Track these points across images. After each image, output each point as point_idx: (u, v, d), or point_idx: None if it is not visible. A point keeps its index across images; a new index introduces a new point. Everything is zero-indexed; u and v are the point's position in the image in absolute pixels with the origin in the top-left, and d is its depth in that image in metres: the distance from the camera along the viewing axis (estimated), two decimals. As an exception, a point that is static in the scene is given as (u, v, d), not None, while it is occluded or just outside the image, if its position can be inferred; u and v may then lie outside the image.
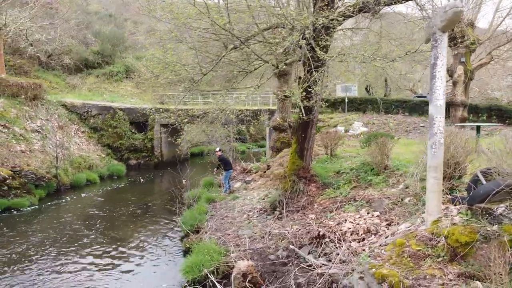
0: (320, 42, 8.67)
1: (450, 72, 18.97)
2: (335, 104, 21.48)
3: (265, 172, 15.40)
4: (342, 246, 6.80)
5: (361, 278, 5.12)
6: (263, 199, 12.33)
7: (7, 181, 14.39)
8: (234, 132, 17.13)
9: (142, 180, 20.39)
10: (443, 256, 4.82)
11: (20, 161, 16.21)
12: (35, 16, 26.67)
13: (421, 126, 18.89)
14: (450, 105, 19.19)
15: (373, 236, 6.60)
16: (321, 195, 9.93)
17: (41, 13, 28.51)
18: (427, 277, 4.69)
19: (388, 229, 6.48)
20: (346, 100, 19.99)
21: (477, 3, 18.05)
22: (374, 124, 19.72)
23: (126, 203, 15.35)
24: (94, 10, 46.38)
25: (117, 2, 54.28)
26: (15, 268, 8.79)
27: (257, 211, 11.23)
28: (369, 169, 9.45)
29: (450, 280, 4.59)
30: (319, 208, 9.18)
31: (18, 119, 19.09)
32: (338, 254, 6.69)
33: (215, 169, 14.66)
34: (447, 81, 32.89)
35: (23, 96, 20.43)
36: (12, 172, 15.00)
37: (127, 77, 34.53)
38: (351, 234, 6.95)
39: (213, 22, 7.90)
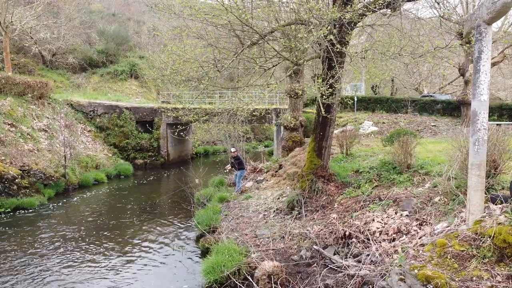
0: (345, 38, 8.52)
1: (462, 71, 18.79)
2: (343, 103, 21.27)
3: (277, 171, 15.21)
4: (371, 247, 6.61)
5: (401, 279, 4.93)
6: (278, 198, 12.15)
7: (16, 180, 14.20)
8: (243, 131, 16.93)
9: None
10: (490, 257, 4.63)
11: (28, 160, 16.02)
12: (40, 15, 26.52)
13: (432, 125, 18.70)
14: (462, 104, 19.02)
15: (404, 236, 6.41)
16: (341, 195, 9.74)
17: (45, 11, 28.36)
18: (474, 278, 4.50)
19: (420, 229, 6.29)
20: (356, 99, 19.82)
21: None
22: (384, 123, 19.53)
23: (136, 203, 15.16)
24: (96, 9, 46.22)
25: (119, 2, 54.16)
26: (26, 267, 8.60)
27: (274, 211, 11.04)
28: (391, 168, 9.26)
29: (499, 282, 4.40)
30: (340, 208, 8.99)
31: (25, 118, 18.92)
32: (368, 254, 6.51)
33: (228, 167, 14.46)
34: (453, 81, 32.57)
35: (29, 95, 20.25)
36: (21, 171, 14.82)
37: (131, 76, 34.33)
38: (380, 234, 6.76)
39: (235, 17, 7.72)
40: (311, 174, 10.42)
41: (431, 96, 26.06)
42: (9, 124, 17.46)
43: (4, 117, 17.56)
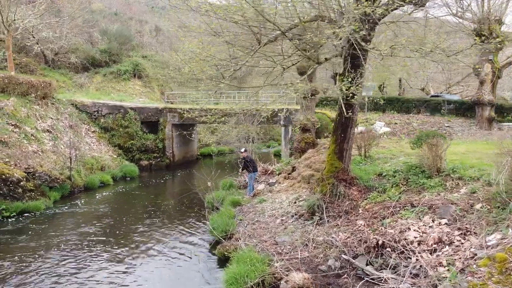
0: (370, 34, 8.09)
1: (477, 71, 18.35)
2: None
3: (289, 173, 14.74)
4: (410, 258, 6.16)
5: (458, 298, 4.48)
6: (295, 202, 11.69)
7: (21, 183, 13.71)
8: (257, 132, 16.40)
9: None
10: (560, 275, 4.18)
11: (33, 162, 15.53)
12: (43, 14, 26.02)
13: (446, 126, 18.26)
14: (476, 105, 18.58)
15: (447, 247, 5.95)
16: (365, 199, 9.29)
17: (47, 10, 27.84)
18: (545, 299, 4.06)
19: (465, 240, 5.83)
20: (367, 100, 19.37)
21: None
22: (396, 124, 19.08)
23: (144, 206, 14.69)
24: (97, 8, 45.66)
25: (120, 1, 53.63)
26: (33, 272, 8.13)
27: (292, 216, 10.58)
28: (419, 172, 8.79)
29: None
30: (366, 214, 8.53)
31: (29, 119, 18.41)
32: (407, 266, 6.05)
33: (240, 170, 13.99)
34: (460, 80, 32.10)
35: (33, 95, 19.74)
36: (25, 174, 14.33)
37: (135, 76, 33.81)
38: (419, 244, 6.30)
39: (258, 12, 7.27)
40: (332, 177, 9.96)
41: (439, 96, 25.66)
42: (12, 125, 16.96)
43: (8, 117, 17.06)
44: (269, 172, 16.33)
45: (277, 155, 24.36)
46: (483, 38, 17.26)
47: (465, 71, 28.02)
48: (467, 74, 27.96)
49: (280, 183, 14.66)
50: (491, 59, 17.39)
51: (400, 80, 30.69)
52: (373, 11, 7.07)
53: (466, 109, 20.17)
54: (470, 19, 17.87)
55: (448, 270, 5.40)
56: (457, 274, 4.91)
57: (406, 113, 21.20)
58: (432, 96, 26.33)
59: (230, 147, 31.69)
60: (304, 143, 15.47)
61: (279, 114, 22.21)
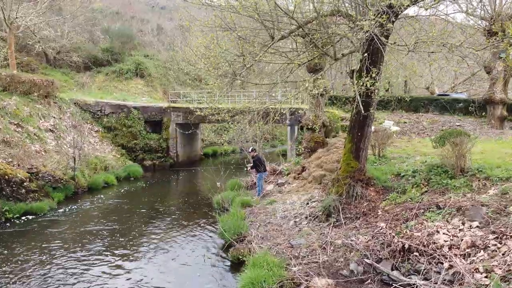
0: (389, 30, 7.75)
1: (488, 69, 18.01)
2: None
3: (299, 174, 14.40)
4: (442, 263, 5.81)
5: (507, 309, 4.14)
6: (307, 203, 11.35)
7: (25, 183, 13.35)
8: (263, 131, 16.02)
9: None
10: None
11: (36, 162, 15.18)
12: (45, 12, 25.67)
13: (457, 125, 17.91)
14: (488, 103, 18.24)
15: (482, 251, 5.60)
16: (384, 201, 8.95)
17: (49, 8, 27.49)
18: None
19: (501, 244, 5.49)
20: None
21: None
22: (405, 123, 18.75)
23: (150, 207, 14.32)
24: (98, 7, 45.26)
25: (120, 1, 53.22)
26: (40, 276, 7.79)
27: (306, 217, 10.24)
28: (441, 172, 8.45)
29: None
30: (386, 216, 8.18)
31: (31, 118, 18.06)
32: (439, 272, 5.71)
33: (248, 169, 13.64)
34: (466, 79, 31.60)
35: (35, 94, 19.38)
36: (29, 174, 13.96)
37: (137, 75, 33.44)
38: (450, 249, 5.96)
39: (277, 5, 6.94)
40: (348, 177, 9.61)
41: (446, 95, 25.35)
42: (15, 124, 16.61)
43: (10, 117, 16.72)
44: (277, 172, 15.98)
45: (283, 154, 24.02)
46: (496, 36, 16.90)
47: (472, 69, 27.64)
48: (473, 73, 27.56)
49: (289, 183, 14.31)
50: (503, 57, 17.02)
51: (405, 79, 30.27)
52: (400, 4, 6.73)
53: (477, 108, 19.82)
54: (482, 16, 17.51)
55: (486, 277, 5.07)
56: (499, 281, 4.57)
57: (414, 112, 20.86)
58: (439, 95, 26.02)
59: (234, 146, 31.37)
60: (314, 142, 15.11)
61: (285, 113, 21.88)
